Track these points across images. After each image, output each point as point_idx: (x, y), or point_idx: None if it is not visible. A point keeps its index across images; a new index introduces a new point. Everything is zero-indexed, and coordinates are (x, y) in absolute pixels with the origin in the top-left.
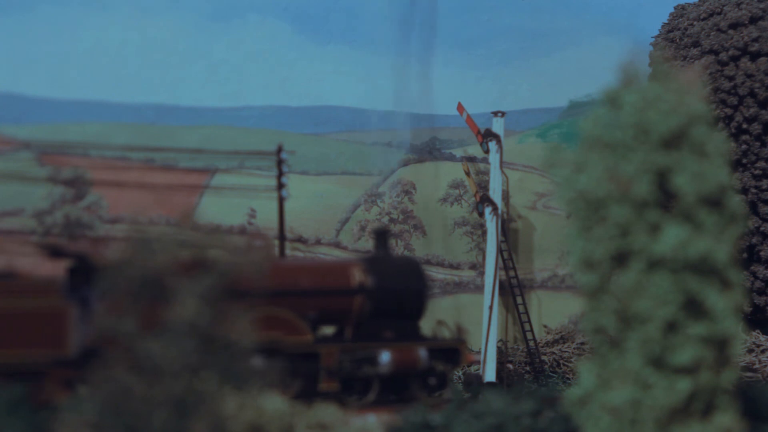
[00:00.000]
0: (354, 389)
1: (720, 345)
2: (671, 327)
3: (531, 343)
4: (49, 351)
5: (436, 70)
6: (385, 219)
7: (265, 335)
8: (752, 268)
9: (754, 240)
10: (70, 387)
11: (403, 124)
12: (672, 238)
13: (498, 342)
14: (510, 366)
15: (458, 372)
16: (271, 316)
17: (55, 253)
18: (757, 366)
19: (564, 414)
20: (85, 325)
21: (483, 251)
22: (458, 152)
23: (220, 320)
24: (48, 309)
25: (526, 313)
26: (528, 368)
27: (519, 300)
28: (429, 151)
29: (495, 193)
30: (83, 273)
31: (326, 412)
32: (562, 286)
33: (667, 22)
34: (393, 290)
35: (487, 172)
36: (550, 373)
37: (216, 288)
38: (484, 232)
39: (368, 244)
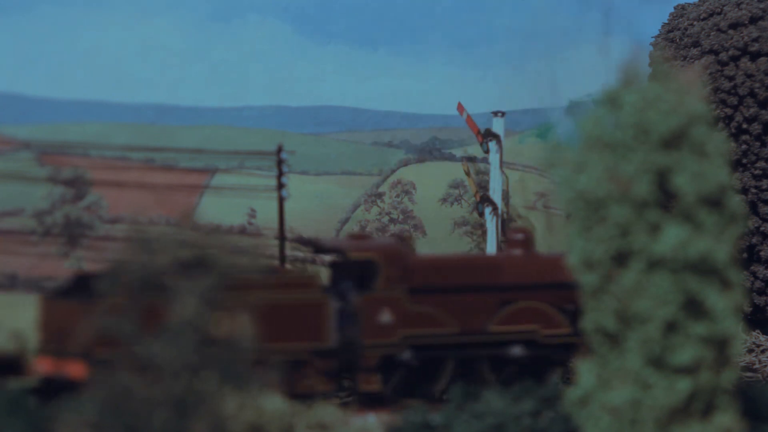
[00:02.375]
0: None
1: (720, 345)
2: (671, 327)
3: None
4: (310, 342)
5: (436, 70)
6: (385, 219)
7: (524, 327)
8: (752, 268)
9: (754, 240)
10: (330, 377)
11: (403, 124)
12: (672, 238)
13: None
14: None
15: None
16: (529, 309)
17: (317, 249)
18: (757, 366)
19: (564, 414)
20: (343, 317)
21: (483, 251)
22: (458, 152)
23: (222, 320)
24: (309, 302)
25: None
26: None
27: None
28: (429, 151)
29: (495, 193)
30: (344, 267)
31: (326, 411)
32: None
33: (667, 22)
34: None
35: (487, 172)
36: None
37: (217, 288)
38: (484, 232)
39: None
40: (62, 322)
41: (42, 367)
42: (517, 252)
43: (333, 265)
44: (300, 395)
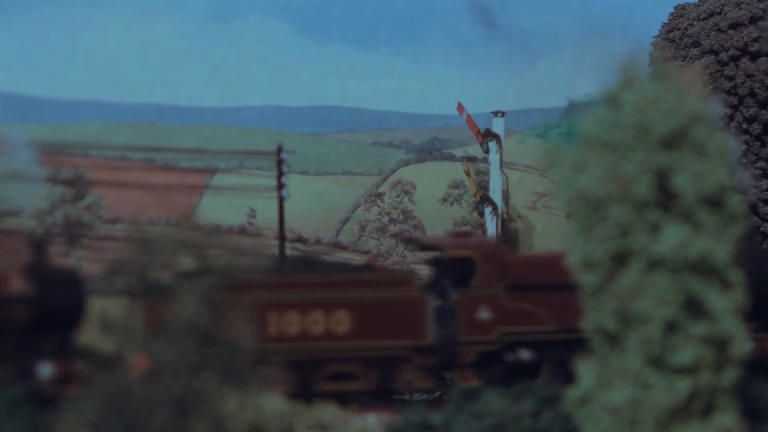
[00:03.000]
0: None
1: (720, 345)
2: (671, 327)
3: None
4: (409, 339)
5: (436, 70)
6: (385, 219)
7: None
8: None
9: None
10: (429, 373)
11: (403, 124)
12: (672, 238)
13: None
14: None
15: None
16: None
17: (418, 246)
18: None
19: (564, 414)
20: (441, 314)
21: None
22: (458, 152)
23: (223, 321)
24: (408, 299)
25: None
26: None
27: None
28: (429, 151)
29: (495, 193)
30: (443, 265)
31: (326, 412)
32: None
33: (667, 22)
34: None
35: (487, 172)
36: None
37: (216, 288)
38: (484, 232)
39: (368, 243)
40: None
41: (141, 364)
42: None
43: (432, 263)
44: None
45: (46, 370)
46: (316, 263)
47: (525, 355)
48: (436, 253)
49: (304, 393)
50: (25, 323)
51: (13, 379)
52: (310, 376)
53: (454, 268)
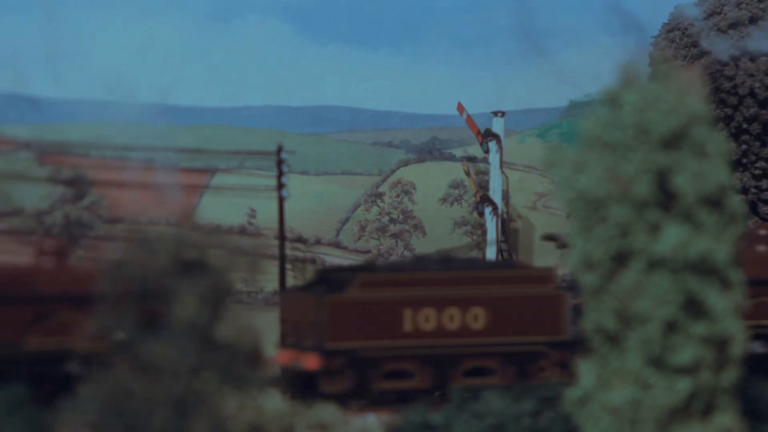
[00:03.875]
0: None
1: (720, 345)
2: (671, 327)
3: None
4: (547, 335)
5: (436, 70)
6: (385, 219)
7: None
8: None
9: None
10: (565, 368)
11: (403, 124)
12: (672, 238)
13: None
14: None
15: None
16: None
17: (561, 244)
18: None
19: (564, 414)
20: (577, 311)
21: (483, 251)
22: (458, 152)
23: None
24: (546, 296)
25: None
26: None
27: None
28: (429, 151)
29: (495, 193)
30: None
31: (326, 411)
32: None
33: (667, 22)
34: None
35: (487, 172)
36: None
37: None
38: (484, 232)
39: (368, 243)
40: (300, 316)
41: (282, 359)
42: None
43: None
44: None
45: None
46: (454, 261)
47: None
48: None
49: (439, 388)
50: None
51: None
52: (447, 372)
53: None
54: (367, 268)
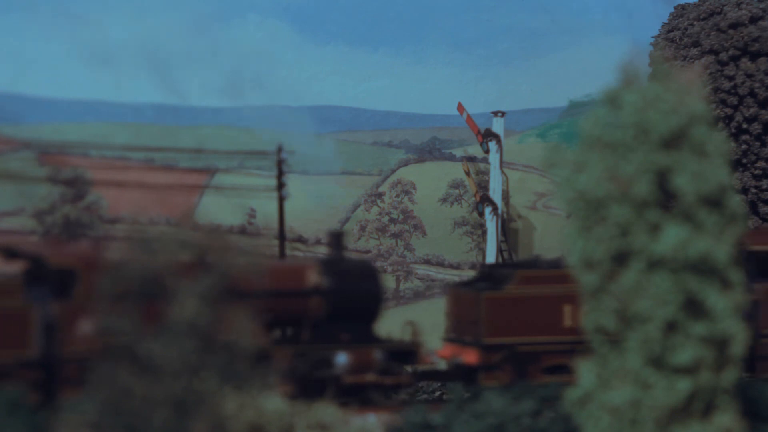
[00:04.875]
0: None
1: (720, 345)
2: (671, 327)
3: None
4: None
5: (436, 70)
6: (385, 219)
7: None
8: None
9: None
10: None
11: (403, 124)
12: (672, 238)
13: None
14: None
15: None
16: None
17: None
18: None
19: (564, 414)
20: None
21: (483, 251)
22: (458, 152)
23: (220, 320)
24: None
25: None
26: None
27: None
28: (429, 151)
29: (495, 193)
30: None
31: (326, 411)
32: None
33: (667, 22)
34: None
35: (487, 172)
36: None
37: (216, 288)
38: (484, 232)
39: (368, 244)
40: (462, 311)
41: (444, 353)
42: None
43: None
44: None
45: (342, 359)
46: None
47: None
48: None
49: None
50: (325, 314)
51: (312, 368)
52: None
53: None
54: (528, 264)
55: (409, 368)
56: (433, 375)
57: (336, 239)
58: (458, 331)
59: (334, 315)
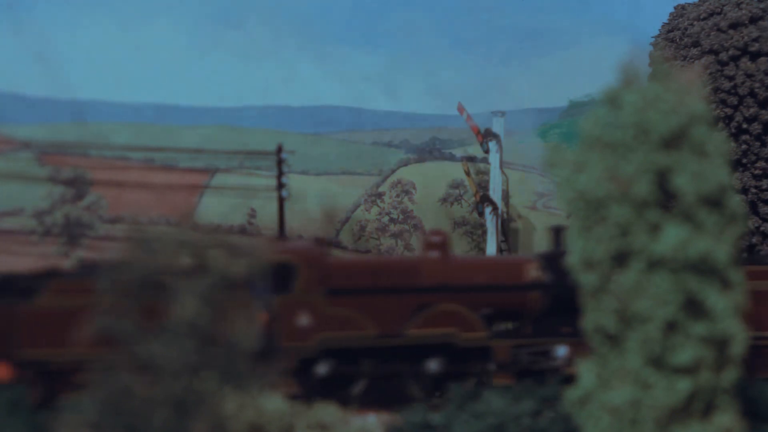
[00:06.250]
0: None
1: (720, 345)
2: (671, 327)
3: None
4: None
5: (436, 70)
6: (385, 219)
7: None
8: None
9: (754, 240)
10: None
11: (403, 124)
12: (672, 238)
13: None
14: None
15: None
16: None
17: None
18: None
19: (564, 414)
20: None
21: (483, 251)
22: (458, 152)
23: (221, 320)
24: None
25: None
26: None
27: None
28: (429, 151)
29: (495, 193)
30: None
31: (326, 411)
32: None
33: (667, 22)
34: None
35: (487, 172)
36: None
37: (216, 288)
38: (484, 232)
39: (368, 244)
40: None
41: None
42: None
43: None
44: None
45: (562, 351)
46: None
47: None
48: None
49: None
50: (545, 308)
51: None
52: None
53: None
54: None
55: None
56: None
57: (556, 234)
58: None
59: (554, 308)
